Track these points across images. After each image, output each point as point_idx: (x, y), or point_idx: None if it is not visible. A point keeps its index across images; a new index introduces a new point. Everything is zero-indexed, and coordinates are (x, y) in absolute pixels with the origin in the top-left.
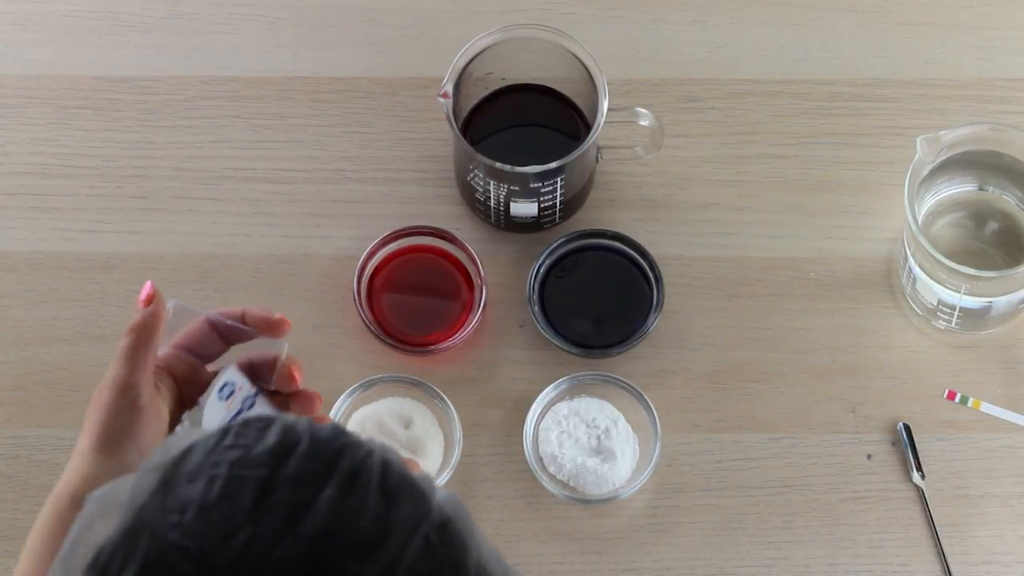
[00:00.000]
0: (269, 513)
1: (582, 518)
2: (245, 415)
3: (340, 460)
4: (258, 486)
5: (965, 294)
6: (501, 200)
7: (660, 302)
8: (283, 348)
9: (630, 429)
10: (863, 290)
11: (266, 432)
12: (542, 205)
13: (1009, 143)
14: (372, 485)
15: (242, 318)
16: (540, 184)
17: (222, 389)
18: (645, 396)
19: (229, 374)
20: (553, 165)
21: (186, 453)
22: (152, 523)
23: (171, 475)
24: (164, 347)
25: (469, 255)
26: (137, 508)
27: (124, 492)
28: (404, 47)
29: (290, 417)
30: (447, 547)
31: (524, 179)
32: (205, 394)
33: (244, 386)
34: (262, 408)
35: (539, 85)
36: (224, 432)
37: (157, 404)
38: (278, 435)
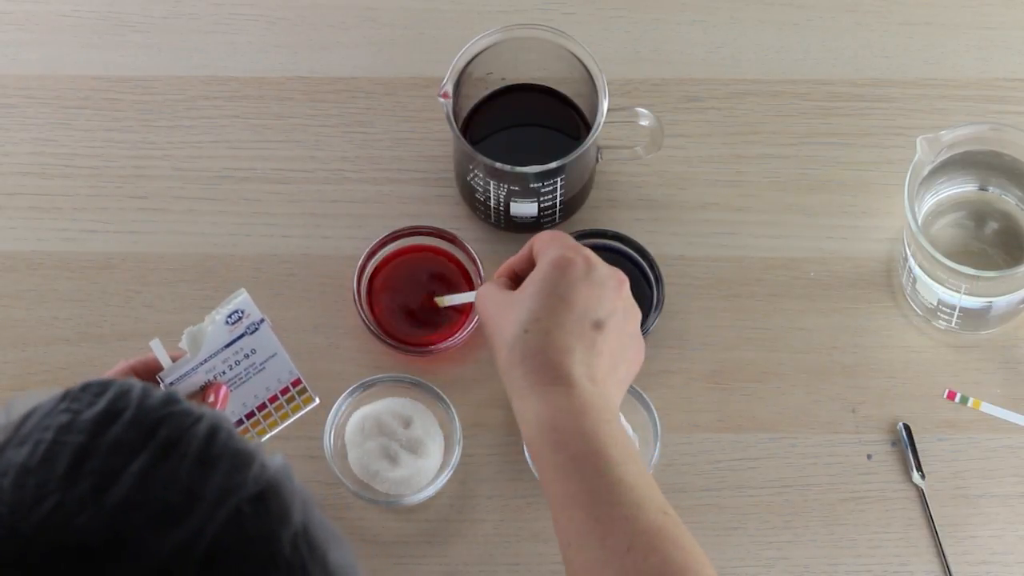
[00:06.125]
0: (78, 481)
1: None
2: (247, 339)
3: (160, 429)
4: (74, 452)
5: (965, 294)
6: (501, 200)
7: (660, 302)
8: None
9: (630, 429)
10: (863, 290)
11: (99, 398)
12: (542, 205)
13: (1009, 143)
14: (189, 455)
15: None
16: (540, 184)
17: (231, 315)
18: (645, 396)
19: (240, 302)
20: (553, 165)
21: (29, 415)
22: None
23: (9, 438)
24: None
25: (469, 255)
26: None
27: None
28: (404, 47)
29: (129, 382)
30: (260, 519)
31: (524, 179)
32: (210, 316)
33: (253, 312)
34: (265, 336)
35: (539, 85)
36: (64, 395)
37: None
38: (107, 401)
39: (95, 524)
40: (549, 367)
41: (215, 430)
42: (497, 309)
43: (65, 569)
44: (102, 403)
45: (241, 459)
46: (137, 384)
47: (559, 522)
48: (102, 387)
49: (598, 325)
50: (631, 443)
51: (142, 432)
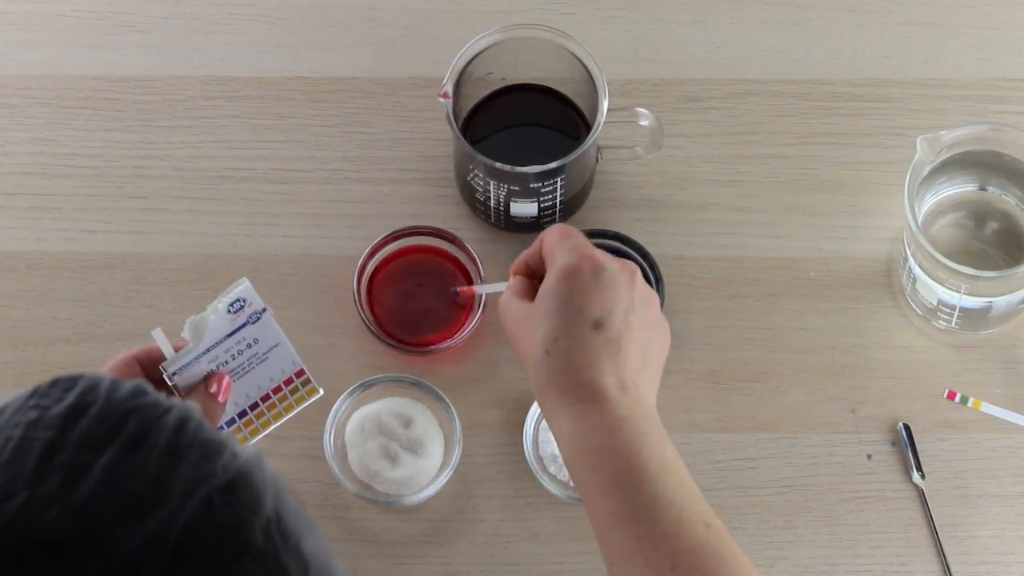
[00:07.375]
0: (47, 476)
1: (582, 518)
2: (249, 328)
3: (128, 421)
4: (43, 448)
5: (965, 294)
6: (501, 200)
7: (660, 302)
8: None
9: None
10: (863, 290)
11: (68, 393)
12: (542, 205)
13: (1009, 143)
14: (157, 447)
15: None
16: (540, 184)
17: (233, 304)
18: None
19: (242, 291)
20: (553, 165)
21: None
22: None
23: None
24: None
25: (469, 255)
26: None
27: None
28: (404, 47)
29: (97, 376)
30: (232, 508)
31: (524, 179)
32: (212, 305)
33: (255, 302)
34: (268, 325)
35: (539, 85)
36: (34, 391)
37: None
38: (76, 396)
39: (65, 519)
40: (577, 385)
41: (184, 421)
42: (517, 326)
43: (36, 564)
44: (70, 398)
45: (211, 449)
46: (105, 378)
47: (602, 540)
48: (71, 382)
49: (619, 327)
50: (672, 449)
51: (110, 425)
